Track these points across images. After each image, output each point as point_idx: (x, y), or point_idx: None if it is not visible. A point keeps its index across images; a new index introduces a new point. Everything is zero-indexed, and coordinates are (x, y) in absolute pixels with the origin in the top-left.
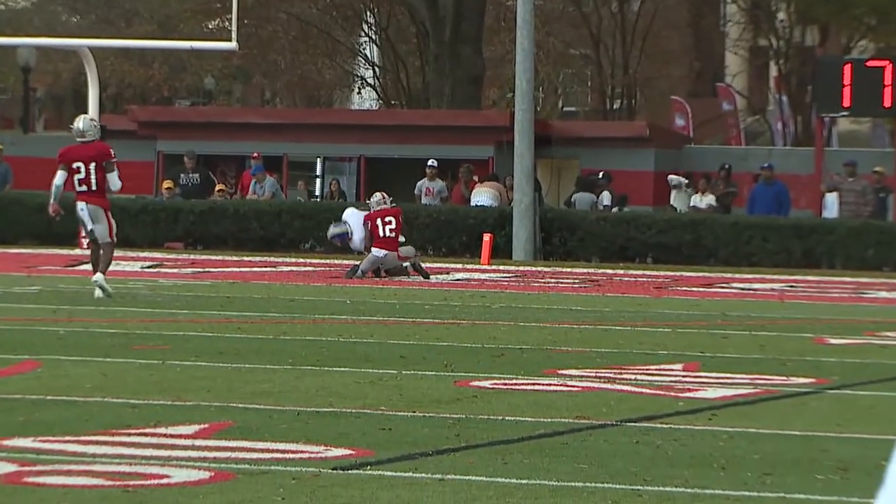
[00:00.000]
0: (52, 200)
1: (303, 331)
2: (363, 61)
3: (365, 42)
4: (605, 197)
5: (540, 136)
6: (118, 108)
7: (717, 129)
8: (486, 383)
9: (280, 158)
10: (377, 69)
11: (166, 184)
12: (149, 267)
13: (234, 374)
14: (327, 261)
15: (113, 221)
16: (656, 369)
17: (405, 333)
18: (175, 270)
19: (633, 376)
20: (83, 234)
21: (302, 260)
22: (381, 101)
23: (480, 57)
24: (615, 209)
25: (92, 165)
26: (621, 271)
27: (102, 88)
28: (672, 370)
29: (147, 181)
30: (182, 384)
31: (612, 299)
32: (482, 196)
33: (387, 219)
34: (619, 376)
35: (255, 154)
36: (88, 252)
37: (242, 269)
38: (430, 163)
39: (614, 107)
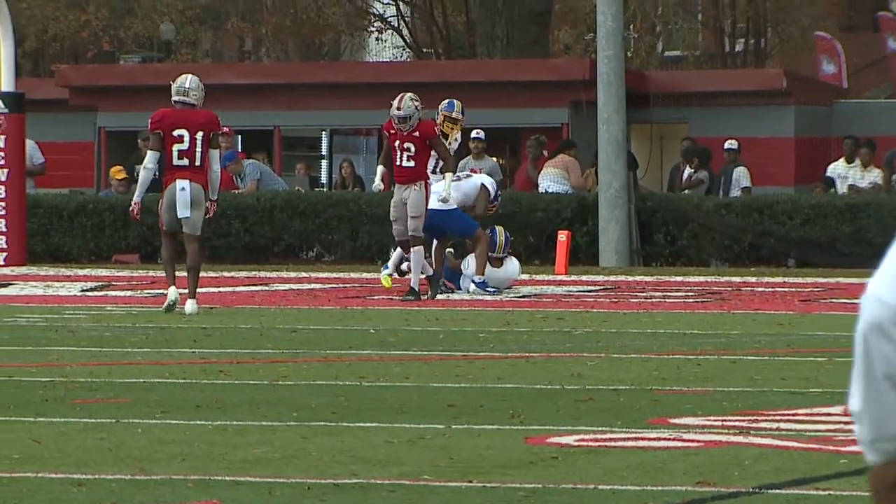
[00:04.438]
0: (136, 196)
1: (310, 373)
2: None
3: None
4: (742, 175)
5: (633, 93)
6: (41, 68)
7: (880, 76)
8: (570, 439)
9: (269, 133)
10: (402, 4)
11: (116, 171)
12: (92, 289)
13: (216, 434)
14: (340, 274)
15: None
16: (806, 414)
17: (454, 373)
18: (129, 293)
19: (774, 425)
20: (168, 218)
21: (305, 274)
22: (408, 50)
23: None
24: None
25: (199, 135)
26: (753, 279)
27: (18, 42)
28: (829, 415)
29: (85, 169)
30: (145, 451)
31: (741, 318)
32: (546, 178)
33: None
34: (754, 425)
35: (225, 129)
36: (6, 271)
37: (222, 290)
38: (474, 134)
39: (735, 49)
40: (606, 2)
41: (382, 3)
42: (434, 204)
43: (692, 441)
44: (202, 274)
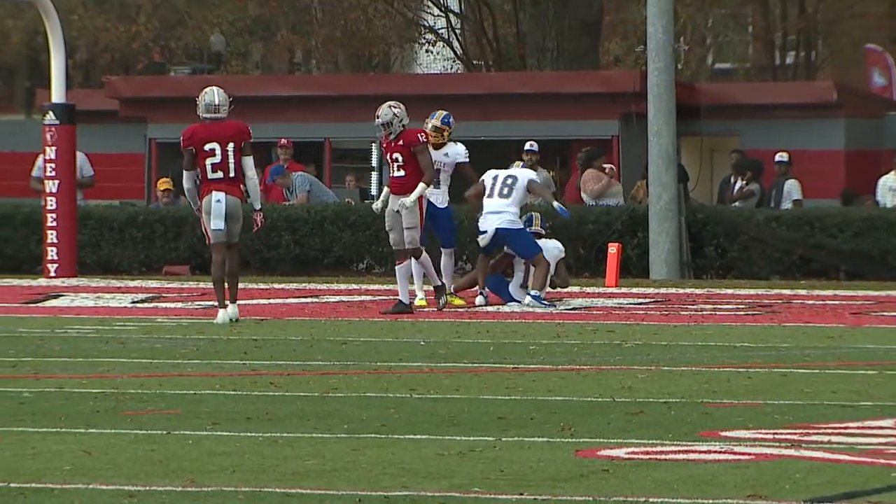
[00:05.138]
0: (195, 206)
1: (361, 385)
2: (432, 6)
3: None
4: (793, 188)
5: (684, 106)
6: (91, 79)
7: None
8: (620, 452)
9: (319, 145)
10: (452, 17)
11: (161, 183)
12: (142, 301)
13: (267, 447)
14: (390, 286)
15: None
16: (857, 427)
17: (504, 385)
18: (179, 305)
19: (825, 438)
20: (212, 231)
21: (355, 286)
22: (458, 62)
23: None
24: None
25: (230, 147)
26: (803, 291)
27: (69, 53)
28: (880, 428)
29: (135, 181)
30: (196, 463)
31: (791, 331)
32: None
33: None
34: (805, 438)
35: (283, 141)
36: (58, 282)
37: (272, 301)
38: (528, 146)
39: (786, 62)
40: (657, 14)
41: (433, 16)
42: (505, 223)
43: (743, 454)
44: (251, 285)
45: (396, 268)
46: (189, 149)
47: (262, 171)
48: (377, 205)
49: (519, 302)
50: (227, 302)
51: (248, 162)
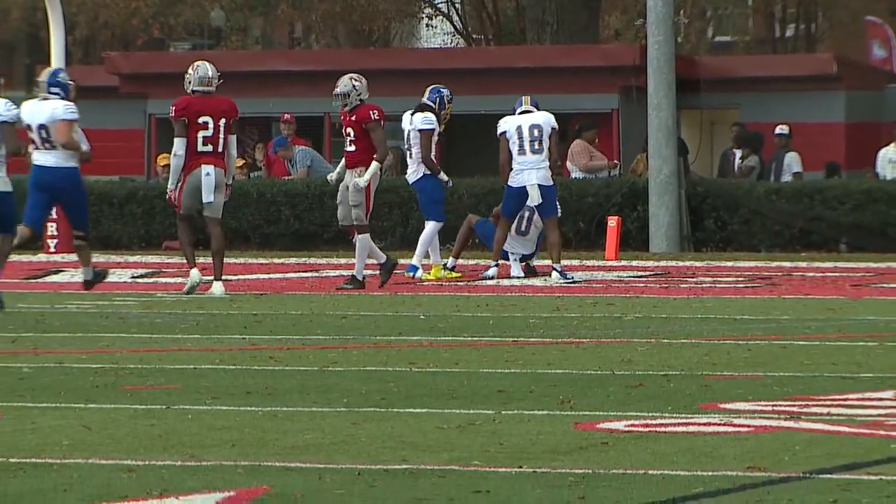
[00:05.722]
0: (171, 184)
1: (360, 359)
2: None
3: None
4: (793, 160)
5: (684, 79)
6: (91, 56)
7: None
8: (620, 425)
9: (320, 120)
10: None
11: (160, 158)
12: (142, 276)
13: (266, 421)
14: None
15: None
16: (857, 399)
17: (504, 359)
18: (179, 280)
19: (824, 410)
20: (204, 205)
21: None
22: (458, 36)
23: None
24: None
25: (221, 122)
26: (804, 264)
27: (69, 30)
28: (880, 400)
29: (135, 156)
30: (196, 437)
31: (791, 303)
32: (574, 174)
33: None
34: (805, 410)
35: (286, 116)
36: (57, 258)
37: (272, 276)
38: None
39: (786, 34)
40: None
41: None
42: (543, 180)
43: (742, 426)
44: (251, 260)
45: (354, 241)
46: (182, 119)
47: (265, 145)
48: (332, 176)
49: (508, 253)
50: (213, 279)
51: (233, 140)
